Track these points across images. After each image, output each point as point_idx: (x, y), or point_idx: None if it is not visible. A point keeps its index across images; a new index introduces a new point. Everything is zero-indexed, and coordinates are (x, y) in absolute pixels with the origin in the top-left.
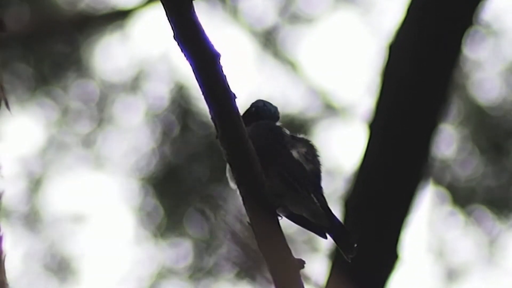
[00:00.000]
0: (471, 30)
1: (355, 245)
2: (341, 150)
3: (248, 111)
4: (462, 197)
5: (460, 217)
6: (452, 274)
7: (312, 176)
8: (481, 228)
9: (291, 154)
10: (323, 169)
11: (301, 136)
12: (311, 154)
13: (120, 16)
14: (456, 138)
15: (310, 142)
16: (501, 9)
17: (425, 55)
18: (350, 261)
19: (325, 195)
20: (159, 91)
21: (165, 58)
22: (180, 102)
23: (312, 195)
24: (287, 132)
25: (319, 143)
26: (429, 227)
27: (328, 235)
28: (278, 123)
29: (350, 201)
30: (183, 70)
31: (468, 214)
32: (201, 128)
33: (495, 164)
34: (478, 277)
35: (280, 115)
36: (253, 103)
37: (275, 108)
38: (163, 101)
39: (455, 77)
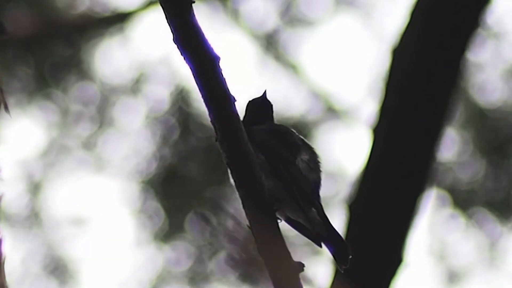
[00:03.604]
0: (475, 34)
1: (350, 256)
2: (344, 153)
3: (251, 110)
4: (463, 200)
5: (461, 219)
6: (453, 277)
7: (313, 185)
8: (482, 231)
9: (297, 163)
10: (323, 176)
11: (304, 139)
12: (313, 161)
13: (120, 19)
14: (457, 140)
15: (312, 148)
16: (502, 12)
17: (429, 60)
18: (343, 272)
19: (323, 202)
20: (159, 94)
21: (166, 61)
22: (180, 105)
23: (311, 203)
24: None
25: (321, 146)
26: (430, 229)
27: (323, 244)
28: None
29: (354, 204)
30: (184, 73)
31: (469, 216)
32: (202, 131)
33: (496, 167)
34: (479, 279)
35: (282, 117)
36: (256, 102)
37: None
38: (163, 103)
39: (459, 81)
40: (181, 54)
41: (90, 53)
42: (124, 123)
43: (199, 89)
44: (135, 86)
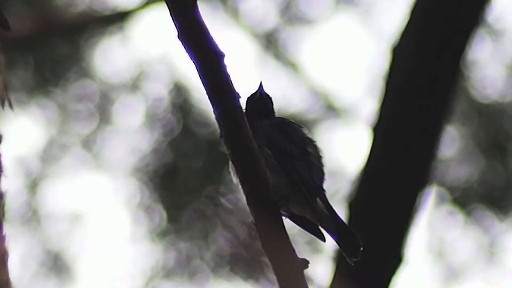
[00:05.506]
0: (475, 32)
1: (361, 248)
2: (343, 151)
3: (254, 102)
4: (461, 197)
5: (459, 216)
6: (451, 274)
7: (318, 179)
8: (480, 228)
9: (302, 157)
10: (326, 170)
11: (307, 133)
12: (316, 156)
13: (120, 18)
14: (456, 137)
15: (315, 143)
16: (502, 9)
17: (429, 58)
18: (353, 265)
19: (327, 197)
20: (159, 92)
21: (165, 59)
22: (179, 103)
23: (317, 197)
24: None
25: (320, 144)
26: (428, 227)
27: (331, 238)
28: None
29: (354, 203)
30: (183, 70)
31: (468, 213)
32: (201, 127)
33: (494, 164)
34: (478, 277)
35: (282, 116)
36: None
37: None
38: (163, 101)
39: (459, 79)
40: (186, 51)
41: (89, 52)
42: (123, 121)
43: (204, 86)
44: (135, 84)
